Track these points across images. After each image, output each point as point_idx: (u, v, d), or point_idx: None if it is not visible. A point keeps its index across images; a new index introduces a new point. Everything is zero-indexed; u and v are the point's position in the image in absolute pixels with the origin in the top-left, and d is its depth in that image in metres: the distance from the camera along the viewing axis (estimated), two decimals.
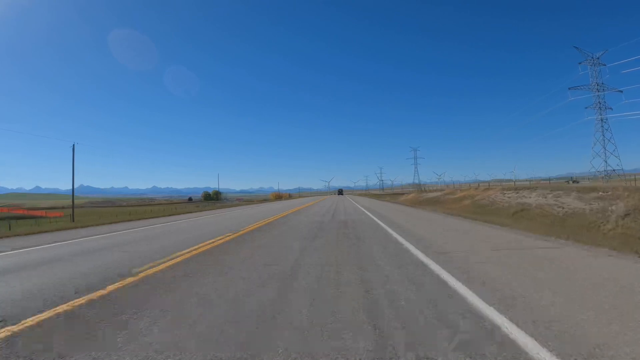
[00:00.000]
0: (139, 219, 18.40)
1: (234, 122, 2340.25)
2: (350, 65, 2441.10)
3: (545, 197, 13.11)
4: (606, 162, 57.62)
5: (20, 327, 2.96)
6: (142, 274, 4.75)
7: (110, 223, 15.83)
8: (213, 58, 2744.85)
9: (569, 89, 60.23)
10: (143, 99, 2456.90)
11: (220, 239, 8.31)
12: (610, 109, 59.26)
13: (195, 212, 28.66)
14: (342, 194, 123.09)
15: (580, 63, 59.46)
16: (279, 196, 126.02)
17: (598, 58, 57.47)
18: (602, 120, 58.16)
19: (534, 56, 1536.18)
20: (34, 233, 11.96)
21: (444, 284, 3.95)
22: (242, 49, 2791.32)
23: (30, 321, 3.08)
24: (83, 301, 3.63)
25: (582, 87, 59.29)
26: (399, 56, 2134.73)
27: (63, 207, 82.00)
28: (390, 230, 9.38)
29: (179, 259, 5.83)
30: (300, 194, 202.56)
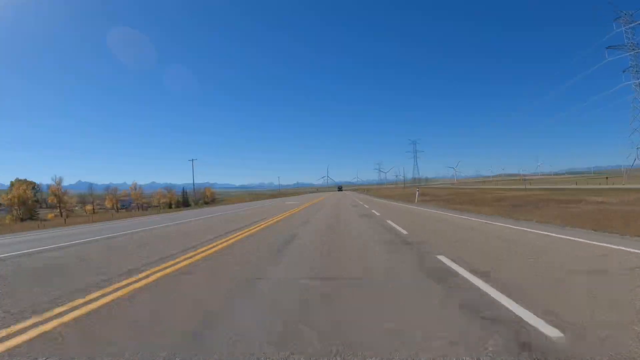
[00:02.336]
0: None
1: (234, 117, 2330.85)
2: (355, 44, 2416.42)
3: None
4: None
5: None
6: None
7: None
8: (209, 58, 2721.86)
9: (607, 48, 51.53)
10: (141, 95, 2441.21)
11: None
12: None
13: None
14: (341, 190, 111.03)
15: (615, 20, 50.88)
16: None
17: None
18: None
19: (551, 33, 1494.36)
20: None
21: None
22: (237, 47, 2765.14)
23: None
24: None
25: (619, 47, 51.24)
26: (408, 35, 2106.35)
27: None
28: None
29: None
30: (280, 190, 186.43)
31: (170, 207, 65.77)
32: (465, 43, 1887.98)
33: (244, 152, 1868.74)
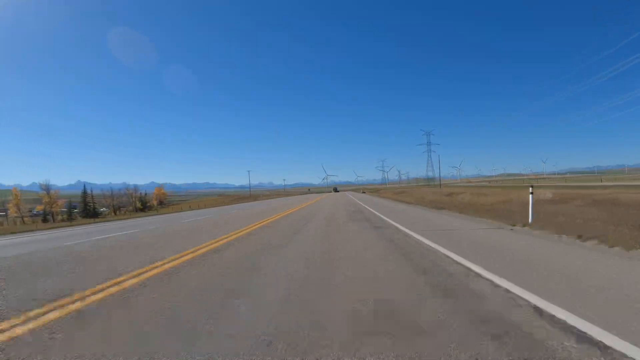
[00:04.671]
0: None
1: (234, 117, 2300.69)
2: (355, 44, 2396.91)
3: None
4: None
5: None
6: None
7: None
8: (209, 58, 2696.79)
9: None
10: (140, 96, 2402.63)
11: None
12: None
13: None
14: (337, 191, 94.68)
15: None
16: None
17: None
18: None
19: (559, 34, 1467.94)
20: None
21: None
22: (237, 48, 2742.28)
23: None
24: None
25: None
26: (408, 34, 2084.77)
27: None
28: None
29: None
30: (285, 189, 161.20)
31: (44, 220, 38.17)
32: (465, 43, 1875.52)
33: (243, 152, 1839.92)
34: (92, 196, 50.51)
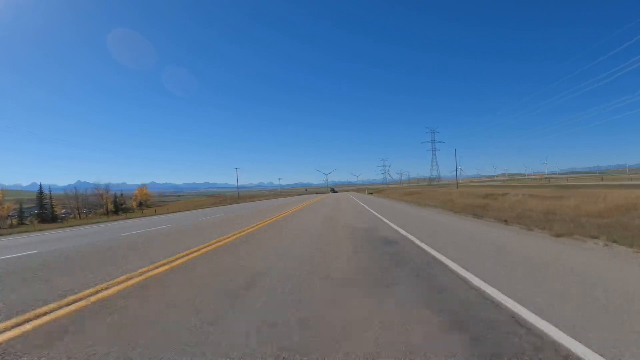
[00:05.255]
0: None
1: (234, 118, 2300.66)
2: (355, 44, 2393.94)
3: None
4: None
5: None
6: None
7: None
8: (208, 59, 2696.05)
9: None
10: (140, 97, 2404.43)
11: None
12: None
13: None
14: (335, 192, 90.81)
15: None
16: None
17: None
18: None
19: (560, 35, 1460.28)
20: None
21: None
22: (237, 48, 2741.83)
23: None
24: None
25: None
26: (413, 37, 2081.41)
27: None
28: None
29: None
30: (280, 190, 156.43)
31: None
32: (465, 43, 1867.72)
33: (243, 152, 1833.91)
34: (51, 197, 45.09)
